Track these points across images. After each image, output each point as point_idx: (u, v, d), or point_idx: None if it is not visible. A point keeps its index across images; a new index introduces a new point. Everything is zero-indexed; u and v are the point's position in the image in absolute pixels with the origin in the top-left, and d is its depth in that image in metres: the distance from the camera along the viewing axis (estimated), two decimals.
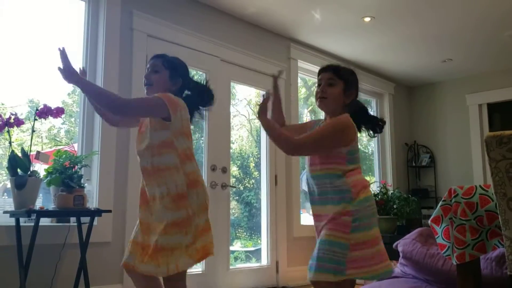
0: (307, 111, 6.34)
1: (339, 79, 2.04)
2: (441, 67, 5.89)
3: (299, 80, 5.12)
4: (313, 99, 6.65)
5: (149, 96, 1.99)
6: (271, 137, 1.97)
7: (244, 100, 5.76)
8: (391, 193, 5.32)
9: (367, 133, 2.14)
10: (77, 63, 3.52)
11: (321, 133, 1.94)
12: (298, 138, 1.94)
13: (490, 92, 6.06)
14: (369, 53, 5.44)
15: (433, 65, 5.85)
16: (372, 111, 6.34)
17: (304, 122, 2.22)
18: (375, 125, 2.13)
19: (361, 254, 1.87)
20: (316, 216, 2.02)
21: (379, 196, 5.19)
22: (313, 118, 6.30)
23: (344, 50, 5.33)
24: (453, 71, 6.08)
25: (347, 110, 2.06)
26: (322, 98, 2.05)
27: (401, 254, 3.33)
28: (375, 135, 2.16)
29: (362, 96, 6.20)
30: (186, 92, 2.11)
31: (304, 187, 5.77)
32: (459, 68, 5.96)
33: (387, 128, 6.24)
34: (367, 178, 5.95)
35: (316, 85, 2.10)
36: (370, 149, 6.31)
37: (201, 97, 2.11)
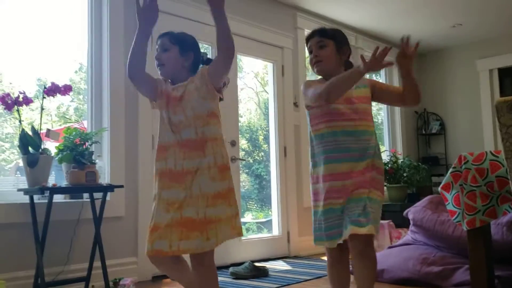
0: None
1: (328, 39, 2.03)
2: (450, 32, 5.78)
3: (306, 50, 5.06)
4: None
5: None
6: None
7: (251, 73, 5.72)
8: (401, 161, 5.31)
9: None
10: (82, 38, 3.50)
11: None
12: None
13: (501, 56, 5.95)
14: (377, 21, 5.34)
15: (442, 31, 5.74)
16: (380, 79, 6.28)
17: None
18: None
19: None
20: (344, 174, 1.96)
21: (389, 165, 5.19)
22: None
23: (352, 18, 5.24)
24: (463, 36, 5.97)
25: (346, 67, 2.06)
26: (318, 62, 2.03)
27: (411, 222, 3.35)
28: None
29: None
30: (201, 66, 2.05)
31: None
32: (469, 33, 5.85)
33: None
34: None
35: (308, 52, 2.09)
36: (380, 118, 6.27)
37: None
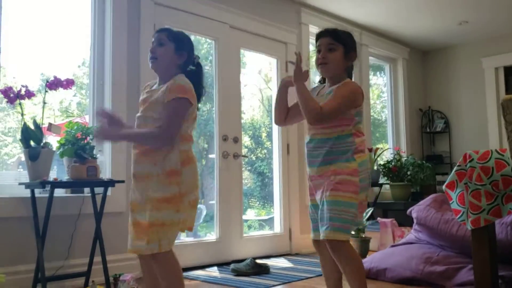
0: (318, 77, 6.26)
1: (338, 43, 2.05)
2: (456, 30, 5.73)
3: (310, 46, 5.03)
4: None
5: (175, 105, 1.88)
6: (302, 103, 2.00)
7: (254, 69, 5.70)
8: (405, 159, 5.28)
9: None
10: (85, 33, 3.49)
11: (341, 98, 1.98)
12: (326, 107, 1.95)
13: (507, 55, 5.90)
14: (383, 17, 5.30)
15: (448, 28, 5.69)
16: (385, 77, 6.24)
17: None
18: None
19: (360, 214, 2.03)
20: (317, 177, 2.05)
21: (393, 163, 5.16)
22: None
23: (357, 14, 5.21)
24: (468, 34, 5.92)
25: (348, 72, 2.12)
26: (323, 64, 2.06)
27: (415, 221, 3.32)
28: None
29: (375, 61, 6.09)
30: (190, 67, 2.06)
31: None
32: (475, 31, 5.80)
33: (400, 94, 6.15)
34: (380, 146, 5.92)
35: (316, 51, 2.10)
36: (384, 116, 6.24)
37: (197, 79, 2.05)
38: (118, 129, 1.99)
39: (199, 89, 2.02)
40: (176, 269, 1.92)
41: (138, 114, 2.00)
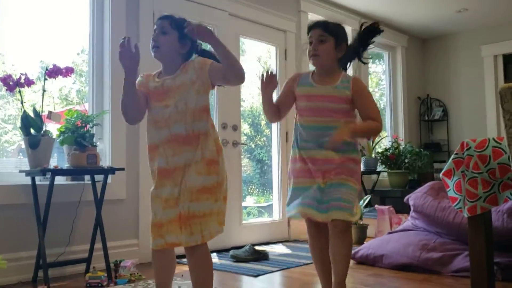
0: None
1: (329, 35, 2.10)
2: (455, 17, 5.72)
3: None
4: None
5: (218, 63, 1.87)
6: (369, 135, 2.33)
7: (254, 57, 5.69)
8: (403, 147, 5.30)
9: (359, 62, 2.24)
10: (84, 20, 3.47)
11: (373, 101, 2.14)
12: (378, 119, 2.07)
13: (506, 42, 5.90)
14: (382, 5, 5.28)
15: (447, 16, 5.68)
16: (384, 65, 6.24)
17: (283, 88, 2.25)
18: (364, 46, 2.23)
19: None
20: (318, 160, 2.09)
21: (391, 151, 5.18)
22: None
23: (356, 2, 5.19)
24: (468, 22, 5.90)
25: (341, 64, 2.17)
26: (315, 56, 2.11)
27: (412, 208, 3.36)
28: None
29: (374, 49, 6.07)
30: (194, 55, 2.01)
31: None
32: (474, 18, 5.78)
33: (399, 82, 6.15)
34: None
35: (308, 42, 2.15)
36: (382, 104, 6.25)
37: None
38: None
39: None
40: (211, 262, 1.92)
41: (164, 105, 1.88)
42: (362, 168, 4.87)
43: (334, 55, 2.11)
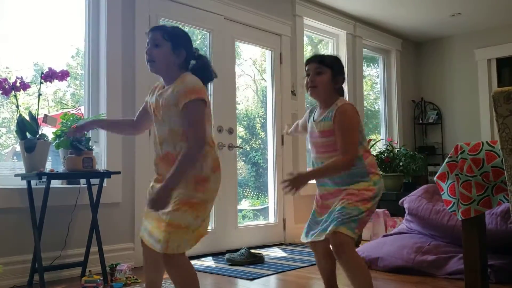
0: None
1: (326, 67, 2.14)
2: (449, 21, 5.76)
3: (304, 38, 5.04)
4: None
5: (193, 111, 1.80)
6: (331, 174, 2.10)
7: (249, 60, 5.70)
8: (397, 150, 5.33)
9: None
10: (79, 23, 3.48)
11: (349, 131, 2.06)
12: (345, 153, 2.03)
13: (499, 46, 5.95)
14: (377, 9, 5.32)
15: (441, 20, 5.72)
16: (378, 68, 6.27)
17: (304, 117, 2.39)
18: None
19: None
20: (327, 195, 2.15)
21: (385, 154, 5.20)
22: None
23: (351, 6, 5.21)
24: (461, 26, 5.95)
25: (338, 93, 2.18)
26: (312, 88, 2.15)
27: (406, 211, 3.37)
28: None
29: (369, 53, 6.11)
30: (192, 62, 1.97)
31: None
32: (468, 22, 5.83)
33: (394, 85, 6.19)
34: (373, 136, 5.96)
35: (305, 75, 2.20)
36: (377, 107, 6.28)
37: (203, 72, 1.96)
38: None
39: (208, 77, 1.95)
40: (188, 274, 1.83)
41: (158, 120, 1.89)
42: None
43: (331, 86, 2.15)
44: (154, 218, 1.85)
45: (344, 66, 2.25)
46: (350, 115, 2.09)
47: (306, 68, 2.20)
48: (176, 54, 1.89)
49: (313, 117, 2.22)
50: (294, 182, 1.99)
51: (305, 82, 2.19)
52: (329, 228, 2.00)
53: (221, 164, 1.93)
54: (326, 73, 2.14)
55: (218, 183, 1.90)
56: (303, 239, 2.21)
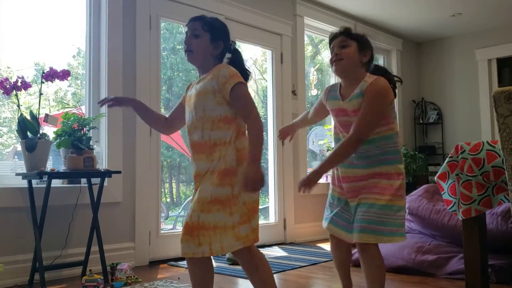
0: (313, 69, 6.27)
1: (351, 39, 2.01)
2: (450, 21, 5.76)
3: (305, 38, 5.04)
4: (319, 57, 6.56)
5: (241, 93, 1.77)
6: (340, 160, 1.97)
7: (249, 60, 5.70)
8: None
9: None
10: (80, 23, 3.48)
11: (373, 112, 1.92)
12: (357, 131, 1.89)
13: (500, 46, 5.95)
14: (377, 9, 5.32)
15: (442, 20, 5.72)
16: (380, 61, 6.27)
17: (317, 101, 2.24)
18: (394, 85, 2.10)
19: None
20: (357, 178, 2.00)
21: None
22: (319, 77, 6.24)
23: (352, 6, 5.22)
24: (462, 26, 5.95)
25: (366, 69, 2.03)
26: (338, 60, 2.00)
27: (407, 211, 3.37)
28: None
29: None
30: (227, 55, 1.94)
31: (313, 147, 5.78)
32: (469, 23, 5.83)
33: None
34: None
35: (330, 53, 2.07)
36: None
37: (238, 66, 1.90)
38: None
39: (243, 74, 1.87)
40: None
41: (189, 110, 1.86)
42: None
43: (358, 59, 2.00)
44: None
45: (371, 43, 2.07)
46: (383, 94, 1.93)
47: (331, 45, 2.04)
48: (214, 46, 1.87)
49: (337, 96, 2.05)
50: (306, 181, 1.92)
51: (330, 60, 2.04)
52: (356, 235, 1.92)
53: None
54: (352, 45, 1.99)
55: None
56: (324, 225, 2.12)
